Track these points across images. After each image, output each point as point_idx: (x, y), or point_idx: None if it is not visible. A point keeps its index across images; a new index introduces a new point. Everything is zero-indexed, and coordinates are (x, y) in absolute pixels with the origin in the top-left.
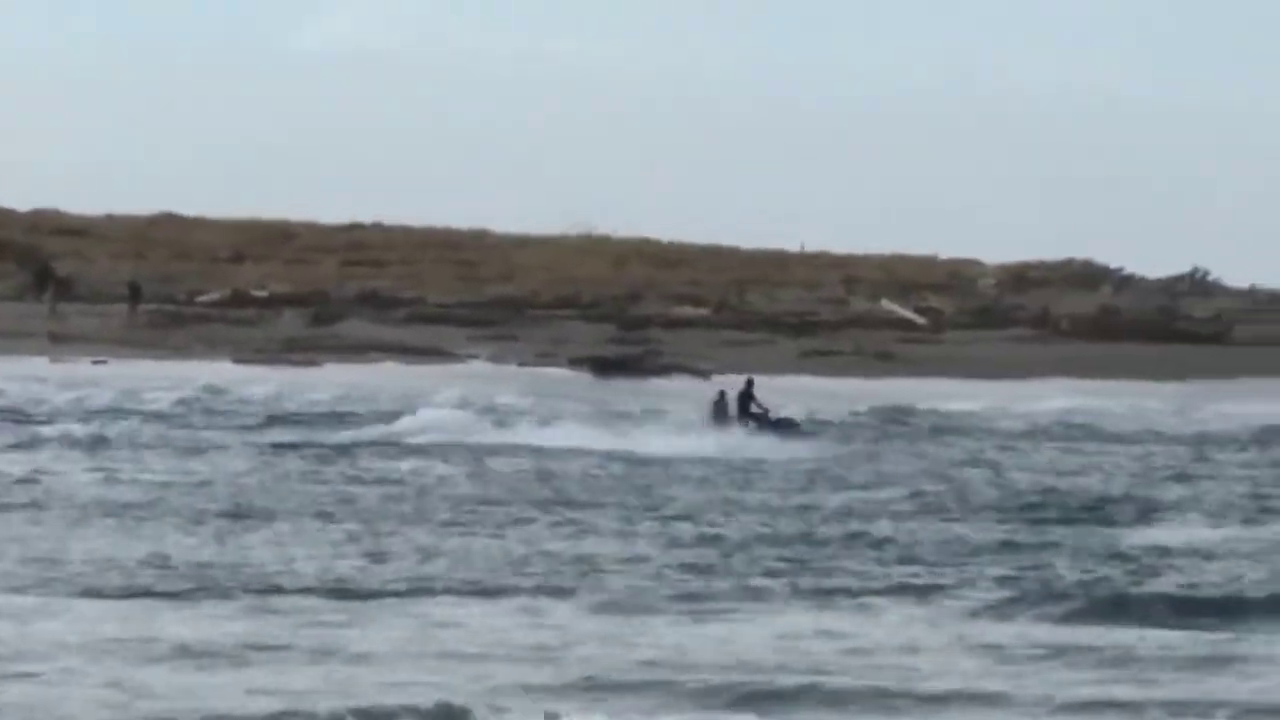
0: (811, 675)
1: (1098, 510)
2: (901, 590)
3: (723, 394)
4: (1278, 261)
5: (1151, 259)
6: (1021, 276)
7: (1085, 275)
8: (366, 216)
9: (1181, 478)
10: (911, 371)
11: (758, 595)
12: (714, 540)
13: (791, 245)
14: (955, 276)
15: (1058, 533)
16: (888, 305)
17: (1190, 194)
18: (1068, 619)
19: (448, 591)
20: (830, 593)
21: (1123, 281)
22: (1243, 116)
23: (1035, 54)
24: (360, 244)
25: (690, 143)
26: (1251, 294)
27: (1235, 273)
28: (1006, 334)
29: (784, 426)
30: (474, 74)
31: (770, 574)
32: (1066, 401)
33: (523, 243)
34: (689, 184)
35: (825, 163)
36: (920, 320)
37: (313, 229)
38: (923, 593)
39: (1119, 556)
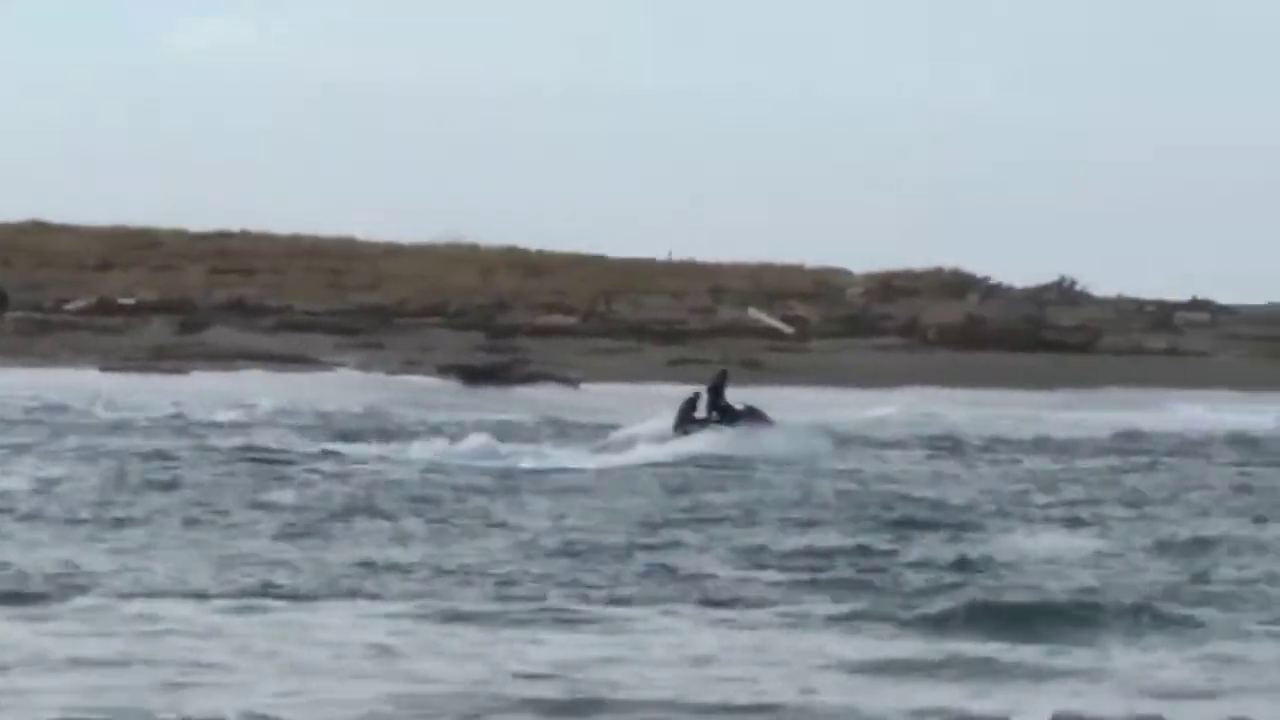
0: (604, 690)
1: (951, 518)
2: (731, 602)
3: (696, 395)
4: (1144, 270)
5: (1019, 268)
6: (889, 285)
7: (952, 284)
8: (234, 224)
9: (1045, 487)
10: (779, 380)
11: (615, 600)
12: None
13: (659, 254)
14: (822, 285)
15: (910, 541)
16: (755, 314)
17: (1057, 203)
18: (910, 629)
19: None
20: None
21: (990, 290)
22: (1107, 127)
23: (903, 63)
24: (227, 252)
25: (557, 153)
26: (1118, 303)
27: (1102, 282)
28: (874, 342)
29: (752, 418)
30: (341, 83)
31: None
32: (932, 409)
33: (390, 251)
34: (557, 193)
35: (692, 172)
36: (787, 329)
37: (179, 236)
38: (754, 604)
39: (968, 565)
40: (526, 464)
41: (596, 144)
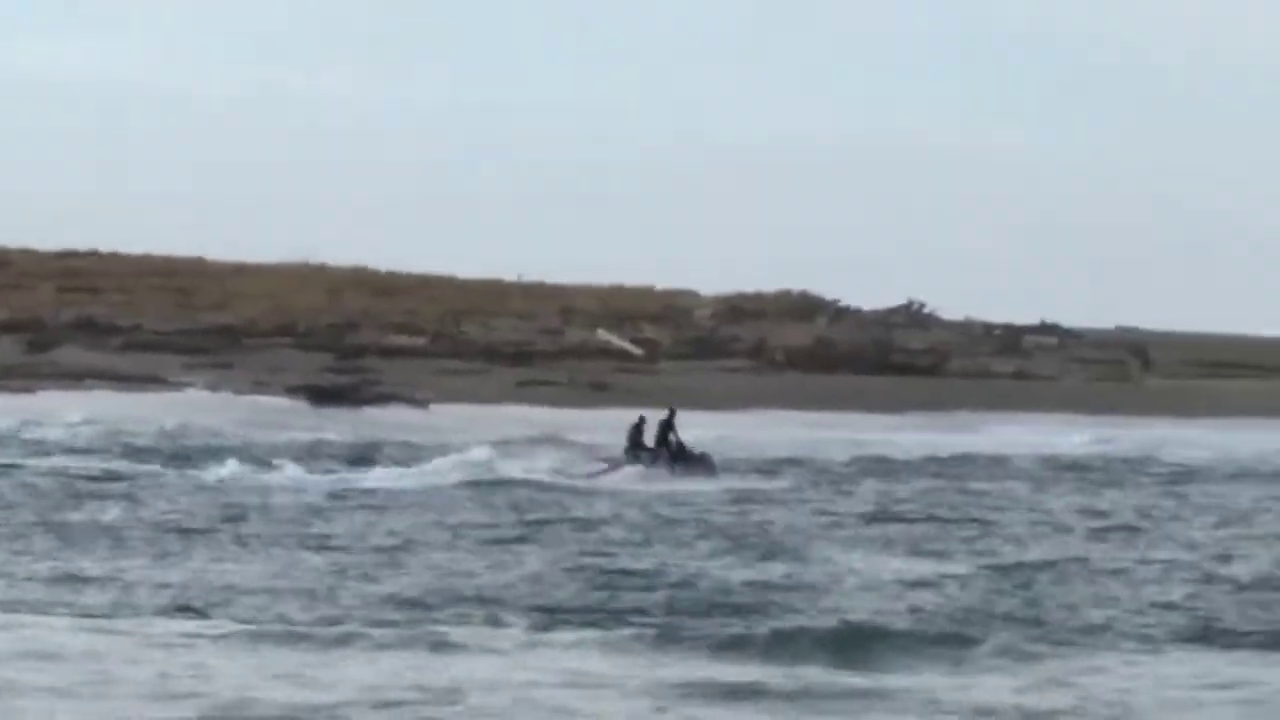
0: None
1: (753, 540)
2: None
3: (641, 419)
4: (992, 294)
5: (867, 292)
6: (737, 308)
7: (801, 307)
8: (83, 244)
9: (879, 509)
10: (627, 402)
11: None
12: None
13: (509, 275)
14: (671, 307)
15: (725, 563)
16: (604, 335)
17: (906, 227)
18: (703, 653)
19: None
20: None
21: (839, 313)
22: (952, 154)
23: (745, 95)
24: (76, 271)
25: (406, 173)
26: (966, 326)
27: (950, 305)
28: (722, 365)
29: (694, 462)
30: (192, 102)
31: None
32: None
33: (239, 271)
34: (406, 214)
35: (542, 194)
36: (636, 351)
37: (28, 255)
38: (552, 624)
39: (775, 588)
40: (359, 483)
41: (447, 166)
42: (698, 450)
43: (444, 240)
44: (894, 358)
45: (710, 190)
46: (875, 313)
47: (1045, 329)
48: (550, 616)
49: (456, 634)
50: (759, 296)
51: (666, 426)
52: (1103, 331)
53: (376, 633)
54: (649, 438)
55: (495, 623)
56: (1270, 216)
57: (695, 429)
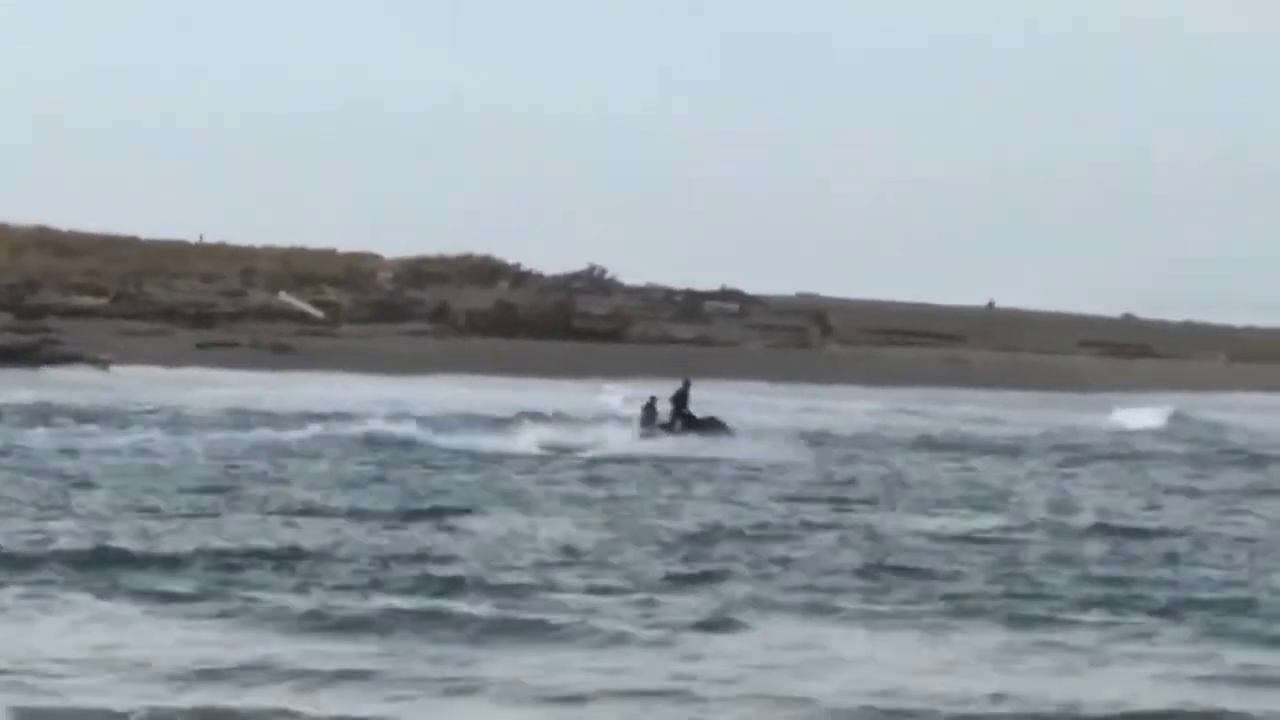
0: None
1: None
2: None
3: (653, 399)
4: (675, 260)
5: (550, 256)
6: (419, 271)
7: (483, 270)
8: None
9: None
10: (309, 365)
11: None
12: None
13: (191, 236)
14: (353, 270)
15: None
16: (285, 298)
17: (587, 194)
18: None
19: None
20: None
21: (520, 277)
22: (640, 123)
23: (434, 61)
24: None
25: (88, 131)
26: (648, 292)
27: (633, 270)
28: (405, 328)
29: (710, 427)
30: None
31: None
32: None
33: None
34: (88, 171)
35: (227, 155)
36: (318, 313)
37: None
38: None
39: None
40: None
41: (129, 125)
42: (706, 416)
43: (127, 200)
44: (575, 323)
45: (391, 154)
46: (557, 278)
47: (727, 295)
48: None
49: None
50: (441, 260)
51: (682, 397)
52: (784, 298)
53: None
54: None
55: None
56: (950, 185)
57: (374, 392)
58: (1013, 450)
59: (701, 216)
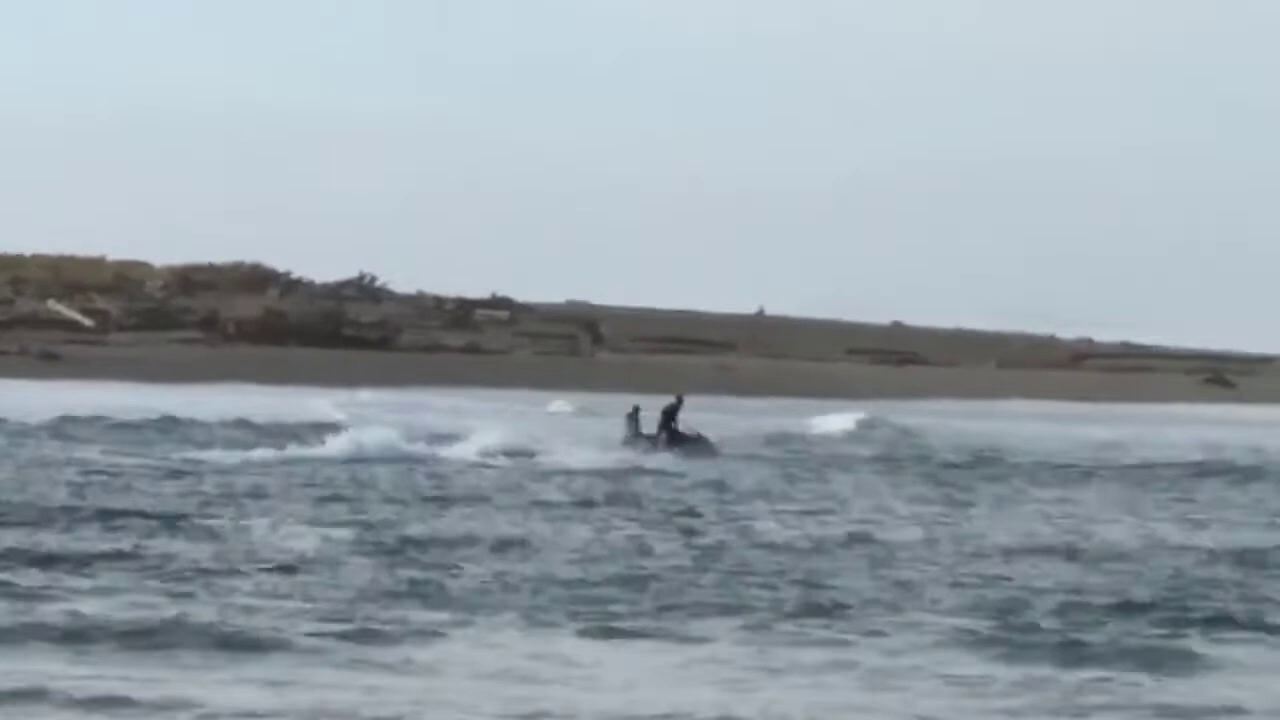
0: None
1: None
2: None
3: (636, 409)
4: (443, 267)
5: (320, 264)
6: (189, 279)
7: (253, 278)
8: None
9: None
10: (79, 374)
11: None
12: None
13: None
14: (123, 278)
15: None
16: (54, 306)
17: (359, 200)
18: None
19: None
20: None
21: (291, 285)
22: (406, 130)
23: (202, 67)
24: None
25: None
26: (418, 300)
27: (403, 278)
28: (175, 336)
29: (693, 443)
30: None
31: None
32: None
33: None
34: None
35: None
36: (87, 322)
37: None
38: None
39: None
40: None
41: None
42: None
43: None
44: (345, 331)
45: (161, 161)
46: (328, 285)
47: (497, 303)
48: None
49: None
50: (211, 268)
51: (672, 412)
52: (554, 306)
53: None
54: (647, 430)
55: None
56: (724, 189)
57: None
58: None
59: (474, 224)
